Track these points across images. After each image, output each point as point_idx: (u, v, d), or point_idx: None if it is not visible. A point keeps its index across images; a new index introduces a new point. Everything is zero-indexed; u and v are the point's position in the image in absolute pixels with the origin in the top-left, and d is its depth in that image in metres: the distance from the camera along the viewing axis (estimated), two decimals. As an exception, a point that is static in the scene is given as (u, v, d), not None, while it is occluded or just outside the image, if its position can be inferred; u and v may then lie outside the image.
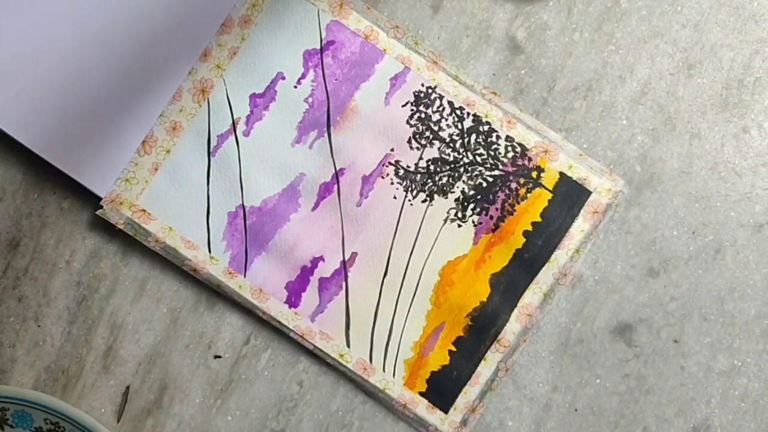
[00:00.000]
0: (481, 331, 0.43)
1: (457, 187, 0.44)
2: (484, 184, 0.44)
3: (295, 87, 0.44)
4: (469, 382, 0.43)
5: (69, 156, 0.43)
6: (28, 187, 0.44)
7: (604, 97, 0.44)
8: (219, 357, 0.44)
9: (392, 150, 0.44)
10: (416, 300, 0.44)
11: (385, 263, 0.44)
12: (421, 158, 0.44)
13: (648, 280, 0.44)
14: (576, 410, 0.44)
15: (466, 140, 0.43)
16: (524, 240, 0.43)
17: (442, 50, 0.44)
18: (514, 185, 0.43)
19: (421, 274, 0.44)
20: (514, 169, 0.43)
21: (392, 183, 0.44)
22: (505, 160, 0.43)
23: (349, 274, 0.44)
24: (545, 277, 0.43)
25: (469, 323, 0.43)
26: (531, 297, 0.43)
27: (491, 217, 0.43)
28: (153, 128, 0.43)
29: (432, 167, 0.44)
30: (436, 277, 0.44)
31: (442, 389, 0.43)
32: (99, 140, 0.43)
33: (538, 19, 0.44)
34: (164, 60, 0.43)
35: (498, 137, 0.43)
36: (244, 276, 0.43)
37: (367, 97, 0.44)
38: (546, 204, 0.43)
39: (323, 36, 0.43)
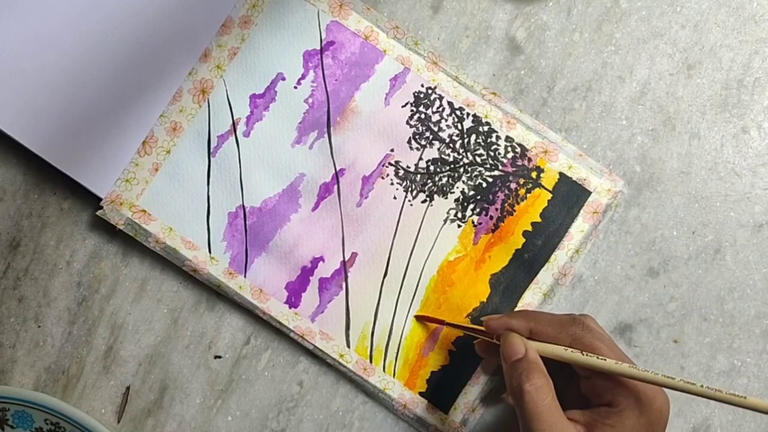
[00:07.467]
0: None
1: (457, 187, 0.44)
2: (484, 185, 0.44)
3: (295, 87, 0.44)
4: (469, 382, 0.43)
5: (69, 156, 0.43)
6: (28, 188, 0.44)
7: (604, 97, 0.44)
8: (219, 357, 0.44)
9: (392, 150, 0.44)
10: (416, 300, 0.44)
11: (385, 263, 0.44)
12: (421, 158, 0.44)
13: (648, 280, 0.44)
14: (576, 410, 0.44)
15: (465, 141, 0.43)
16: (524, 240, 0.43)
17: (442, 51, 0.44)
18: (513, 185, 0.43)
19: (421, 275, 0.44)
20: (514, 169, 0.43)
21: (392, 183, 0.44)
22: (505, 161, 0.44)
23: (349, 274, 0.44)
24: (545, 277, 0.43)
25: (469, 323, 0.43)
26: (531, 297, 0.43)
27: (491, 218, 0.43)
28: (153, 129, 0.43)
29: (432, 167, 0.44)
30: (436, 278, 0.44)
31: (442, 389, 0.43)
32: (99, 141, 0.43)
33: (538, 19, 0.44)
34: (164, 60, 0.43)
35: (498, 137, 0.43)
36: (245, 276, 0.43)
37: (367, 98, 0.44)
38: (546, 204, 0.43)
39: (323, 36, 0.44)
